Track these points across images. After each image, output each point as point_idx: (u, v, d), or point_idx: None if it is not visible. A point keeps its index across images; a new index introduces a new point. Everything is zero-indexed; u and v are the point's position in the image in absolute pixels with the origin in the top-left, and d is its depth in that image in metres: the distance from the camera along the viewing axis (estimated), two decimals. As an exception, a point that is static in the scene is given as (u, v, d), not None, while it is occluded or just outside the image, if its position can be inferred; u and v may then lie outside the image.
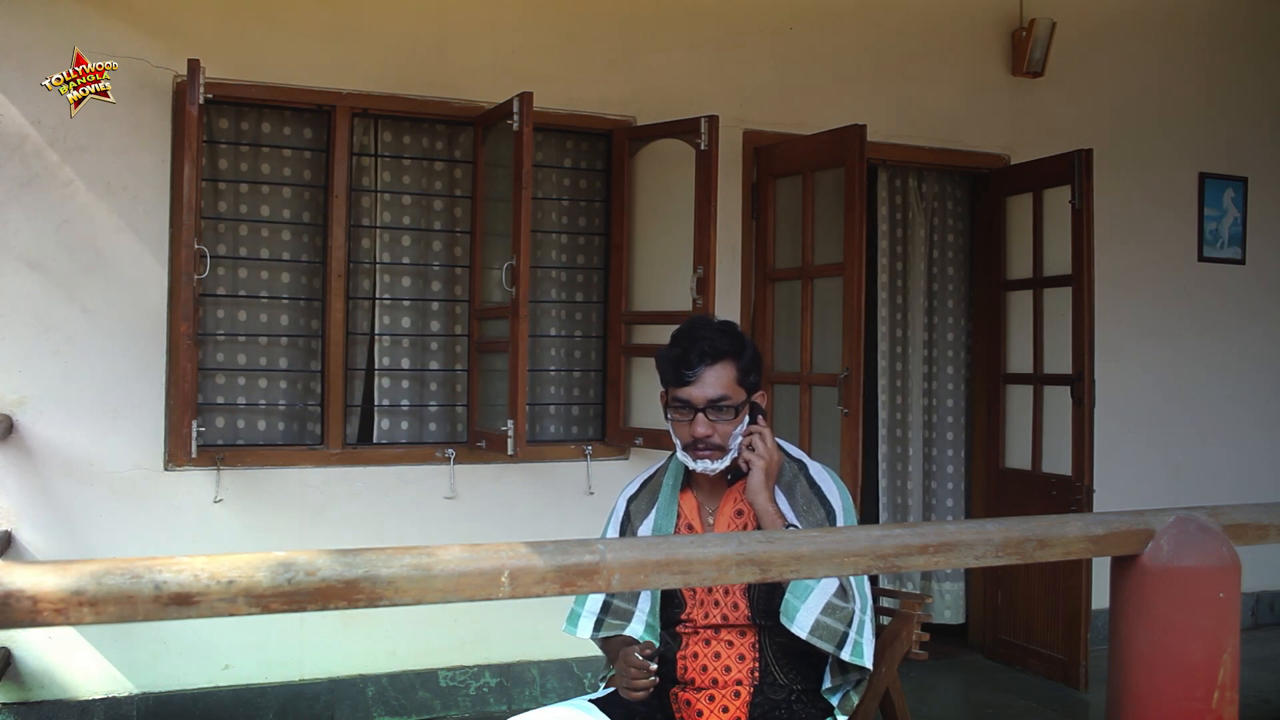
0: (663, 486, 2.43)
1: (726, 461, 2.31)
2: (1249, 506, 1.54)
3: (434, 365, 4.44)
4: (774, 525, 2.23)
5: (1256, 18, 5.75)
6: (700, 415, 2.28)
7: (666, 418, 2.36)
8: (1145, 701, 1.41)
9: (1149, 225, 5.46)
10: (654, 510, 2.41)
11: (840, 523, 2.30)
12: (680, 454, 2.34)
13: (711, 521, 2.37)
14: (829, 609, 2.17)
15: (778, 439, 2.39)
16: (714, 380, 2.28)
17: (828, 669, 2.30)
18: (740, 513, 2.35)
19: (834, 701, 2.31)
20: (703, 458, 2.30)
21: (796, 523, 2.27)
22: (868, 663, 2.22)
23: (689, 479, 2.42)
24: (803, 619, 2.17)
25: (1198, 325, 5.60)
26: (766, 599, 2.25)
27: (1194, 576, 1.40)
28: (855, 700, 2.34)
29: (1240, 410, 5.70)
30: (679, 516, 2.39)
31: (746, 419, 2.32)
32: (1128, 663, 1.42)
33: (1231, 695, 1.40)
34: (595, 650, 2.43)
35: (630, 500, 2.48)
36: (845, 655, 2.18)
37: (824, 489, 2.34)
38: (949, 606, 5.28)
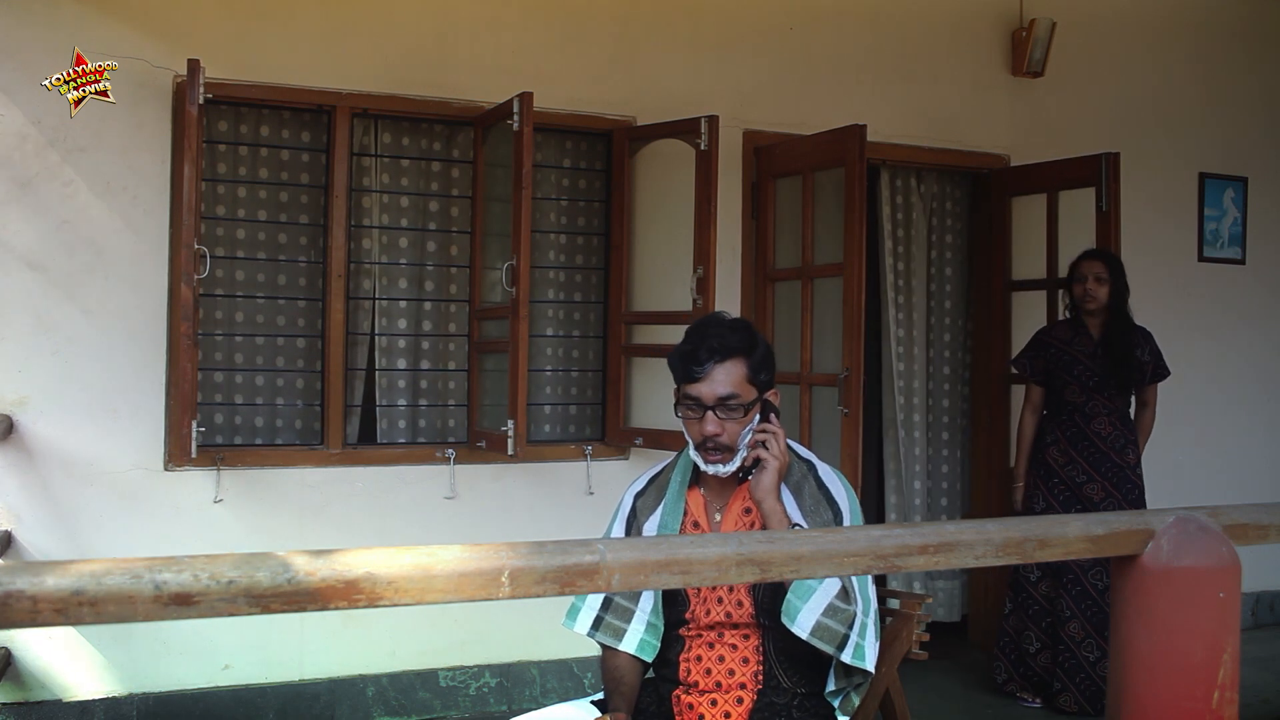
0: (670, 483, 2.42)
1: (736, 464, 2.29)
2: (1249, 506, 1.54)
3: (434, 365, 4.44)
4: (780, 527, 2.21)
5: (1255, 18, 5.75)
6: (710, 413, 2.26)
7: (678, 415, 2.35)
8: (1145, 702, 1.41)
9: (1149, 225, 5.45)
10: (660, 507, 2.40)
11: (847, 524, 2.29)
12: (692, 453, 2.33)
13: (719, 519, 2.36)
14: (830, 610, 2.16)
15: (788, 440, 2.38)
16: (723, 377, 2.26)
17: (831, 671, 2.29)
18: (748, 510, 2.33)
19: (835, 704, 2.31)
20: (714, 461, 2.28)
21: (803, 523, 2.26)
22: (869, 665, 2.21)
23: (697, 476, 2.40)
24: (804, 620, 2.15)
25: (1198, 325, 5.60)
26: (771, 597, 2.24)
27: (1194, 576, 1.40)
28: (856, 701, 2.33)
29: (1240, 410, 5.70)
30: (685, 514, 2.38)
31: (757, 417, 2.30)
32: (1128, 663, 1.42)
33: (1231, 695, 1.40)
34: (596, 650, 2.43)
35: (637, 496, 2.46)
36: (846, 658, 2.17)
37: (832, 491, 2.33)
38: (948, 604, 5.30)
